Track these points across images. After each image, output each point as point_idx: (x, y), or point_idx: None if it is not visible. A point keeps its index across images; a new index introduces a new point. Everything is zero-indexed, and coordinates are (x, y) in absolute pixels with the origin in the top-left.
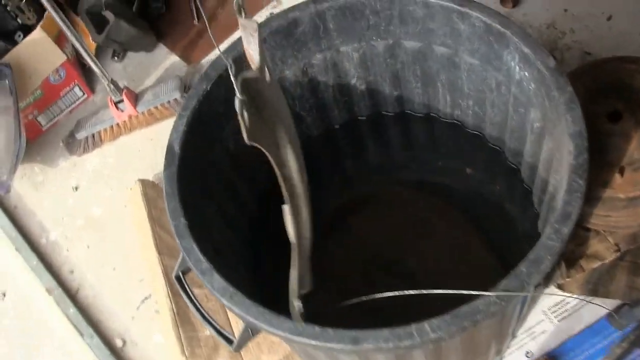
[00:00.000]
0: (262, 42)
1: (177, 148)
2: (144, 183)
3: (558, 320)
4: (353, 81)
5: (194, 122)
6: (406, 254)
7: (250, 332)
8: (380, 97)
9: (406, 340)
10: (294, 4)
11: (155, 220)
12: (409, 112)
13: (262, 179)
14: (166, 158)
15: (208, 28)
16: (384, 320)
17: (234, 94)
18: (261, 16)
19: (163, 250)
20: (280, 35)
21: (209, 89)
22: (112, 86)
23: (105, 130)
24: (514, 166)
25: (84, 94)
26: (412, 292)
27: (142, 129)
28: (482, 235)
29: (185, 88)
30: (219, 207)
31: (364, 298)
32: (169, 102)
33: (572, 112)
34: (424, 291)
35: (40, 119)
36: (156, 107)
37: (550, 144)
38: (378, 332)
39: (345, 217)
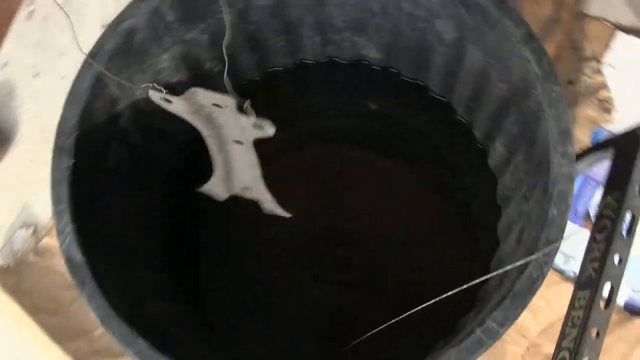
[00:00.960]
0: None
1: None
2: None
3: None
4: (207, 65)
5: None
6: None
7: None
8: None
9: None
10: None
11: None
12: (278, 68)
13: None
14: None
15: None
16: None
17: None
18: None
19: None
20: (120, 55)
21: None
22: None
23: None
24: (417, 82)
25: None
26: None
27: None
28: (420, 175)
29: None
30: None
31: None
32: None
33: (509, 14)
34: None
35: None
36: None
37: (479, 54)
38: None
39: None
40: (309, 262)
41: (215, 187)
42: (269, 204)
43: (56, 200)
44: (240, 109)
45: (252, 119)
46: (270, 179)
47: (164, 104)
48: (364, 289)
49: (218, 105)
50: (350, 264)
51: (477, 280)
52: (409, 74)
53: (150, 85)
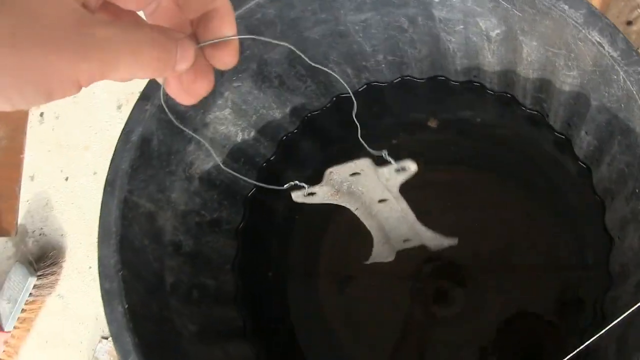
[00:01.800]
0: None
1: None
2: None
3: None
4: (240, 137)
5: None
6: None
7: None
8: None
9: None
10: None
11: None
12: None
13: None
14: None
15: None
16: None
17: None
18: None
19: None
20: (141, 169)
21: None
22: None
23: None
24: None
25: None
26: None
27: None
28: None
29: (33, 265)
30: None
31: None
32: (30, 294)
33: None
34: None
35: None
36: (23, 310)
37: (535, 45)
38: None
39: None
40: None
41: (380, 254)
42: (434, 241)
43: (123, 354)
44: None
45: (393, 165)
46: None
47: (308, 200)
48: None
49: (357, 173)
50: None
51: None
52: (459, 77)
53: (292, 184)
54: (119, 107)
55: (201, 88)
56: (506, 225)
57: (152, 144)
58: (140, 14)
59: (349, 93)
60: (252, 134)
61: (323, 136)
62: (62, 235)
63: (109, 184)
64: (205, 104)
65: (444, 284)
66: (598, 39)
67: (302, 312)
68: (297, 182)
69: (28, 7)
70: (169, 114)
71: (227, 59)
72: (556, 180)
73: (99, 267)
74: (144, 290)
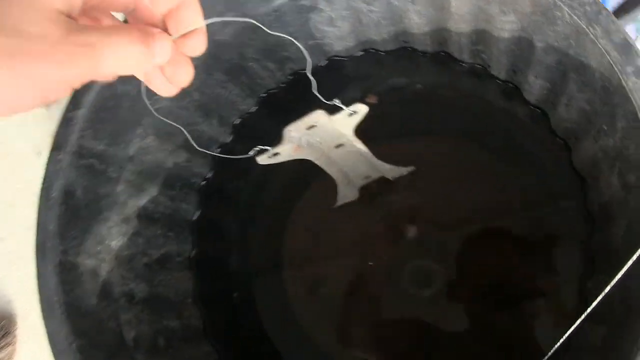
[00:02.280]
0: None
1: None
2: None
3: None
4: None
5: None
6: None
7: None
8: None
9: None
10: None
11: None
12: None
13: None
14: None
15: None
16: None
17: None
18: None
19: None
20: (69, 222)
21: None
22: None
23: None
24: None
25: None
26: None
27: None
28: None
29: None
30: None
31: None
32: None
33: None
34: None
35: None
36: None
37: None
38: None
39: None
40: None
41: (345, 195)
42: (393, 172)
43: None
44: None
45: (344, 111)
46: None
47: (273, 160)
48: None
49: (313, 126)
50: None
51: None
52: (389, 45)
53: (257, 150)
54: (39, 154)
55: (182, 77)
56: (473, 186)
57: (76, 194)
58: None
59: (275, 88)
60: (183, 155)
61: (258, 138)
62: (8, 301)
63: (39, 249)
64: (124, 135)
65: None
66: None
67: (277, 323)
68: (260, 146)
69: (20, 27)
70: (149, 107)
71: (197, 45)
72: (512, 130)
73: (50, 344)
74: (105, 355)
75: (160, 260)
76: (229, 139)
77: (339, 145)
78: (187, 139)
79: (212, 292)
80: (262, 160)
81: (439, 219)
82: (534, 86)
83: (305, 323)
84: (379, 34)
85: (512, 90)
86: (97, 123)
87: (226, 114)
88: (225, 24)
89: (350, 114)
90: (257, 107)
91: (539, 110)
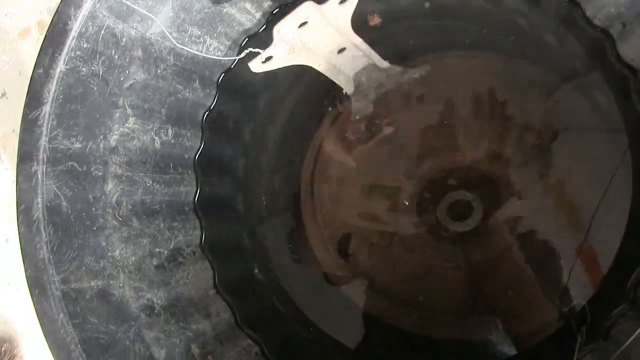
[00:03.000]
0: None
1: None
2: None
3: None
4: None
5: None
6: None
7: None
8: None
9: None
10: None
11: None
12: None
13: None
14: None
15: None
16: None
17: None
18: None
19: None
20: (65, 241)
21: None
22: None
23: None
24: None
25: None
26: None
27: None
28: None
29: None
30: None
31: None
32: None
33: None
34: None
35: None
36: None
37: None
38: None
39: None
40: None
41: (359, 108)
42: (406, 76)
43: None
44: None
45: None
46: None
47: (268, 67)
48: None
49: (304, 23)
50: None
51: None
52: None
53: (247, 52)
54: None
55: None
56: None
57: (62, 209)
58: None
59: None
60: (170, 131)
61: (246, 93)
62: (4, 322)
63: (35, 285)
64: (101, 125)
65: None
66: None
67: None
68: (251, 49)
69: None
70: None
71: None
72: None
73: None
74: None
75: (172, 257)
76: (213, 102)
77: (341, 50)
78: (169, 111)
79: (233, 276)
80: (256, 66)
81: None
82: None
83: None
84: None
85: None
86: (67, 118)
87: (206, 75)
88: None
89: (341, 2)
90: (237, 59)
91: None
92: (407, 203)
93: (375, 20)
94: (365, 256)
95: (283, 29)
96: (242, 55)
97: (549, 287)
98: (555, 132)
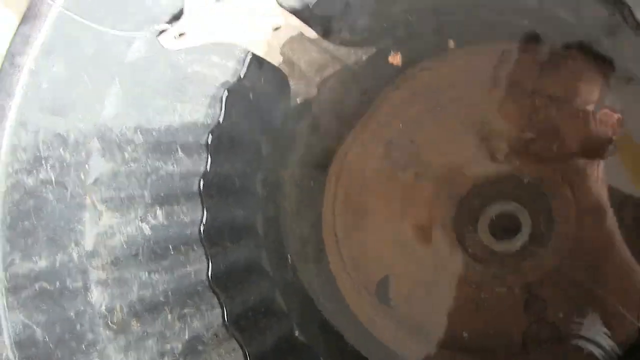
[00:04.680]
0: None
1: None
2: None
3: None
4: None
5: None
6: None
7: None
8: None
9: None
10: None
11: None
12: None
13: None
14: None
15: None
16: None
17: None
18: None
19: None
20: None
21: None
22: None
23: None
24: None
25: None
26: None
27: None
28: None
29: None
30: None
31: None
32: None
33: None
34: None
35: None
36: None
37: None
38: None
39: None
40: None
41: (298, 91)
42: (352, 56)
43: None
44: None
45: None
46: None
47: (183, 43)
48: None
49: None
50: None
51: None
52: None
53: (156, 28)
54: None
55: None
56: None
57: (36, 338)
58: None
59: None
60: (159, 212)
61: (244, 145)
62: None
63: None
64: (70, 232)
65: None
66: None
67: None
68: (160, 25)
69: None
70: None
71: None
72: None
73: None
74: None
75: (188, 349)
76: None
77: (276, 29)
78: (156, 191)
79: (270, 345)
80: (167, 42)
81: None
82: None
83: None
84: None
85: None
86: (22, 238)
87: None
88: None
89: None
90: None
91: None
92: (442, 230)
93: (396, 60)
94: (405, 300)
95: (194, 1)
96: (157, 33)
97: (624, 301)
98: None
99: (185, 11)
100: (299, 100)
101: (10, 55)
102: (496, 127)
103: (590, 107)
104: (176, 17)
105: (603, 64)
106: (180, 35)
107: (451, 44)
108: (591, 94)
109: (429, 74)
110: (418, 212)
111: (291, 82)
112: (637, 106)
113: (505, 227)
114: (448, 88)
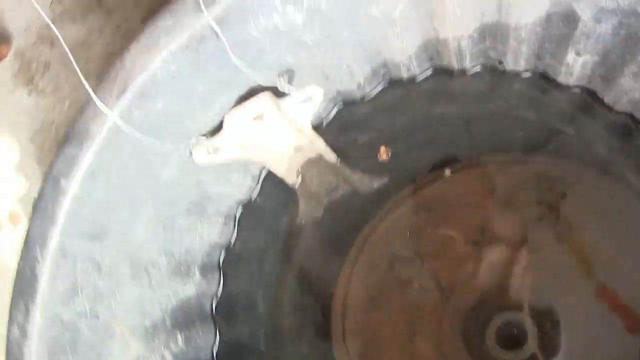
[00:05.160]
0: None
1: None
2: None
3: None
4: None
5: None
6: None
7: None
8: None
9: None
10: None
11: None
12: None
13: None
14: None
15: None
16: None
17: None
18: None
19: None
20: None
21: None
22: None
23: None
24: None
25: None
26: None
27: None
28: None
29: None
30: None
31: None
32: None
33: None
34: None
35: None
36: None
37: None
38: None
39: None
40: None
41: (306, 212)
42: (364, 182)
43: None
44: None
45: (296, 95)
46: None
47: (212, 159)
48: None
49: (259, 117)
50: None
51: None
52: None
53: (193, 142)
54: None
55: None
56: None
57: None
58: None
59: None
60: (179, 338)
61: (255, 263)
62: None
63: None
64: None
65: None
66: None
67: None
68: (197, 136)
69: None
70: None
71: None
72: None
73: None
74: None
75: None
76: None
77: (298, 149)
78: (175, 316)
79: None
80: (199, 157)
81: None
82: (575, 65)
83: None
84: (352, 81)
85: (538, 79)
86: None
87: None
88: None
89: (303, 101)
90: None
91: (583, 91)
92: (450, 342)
93: (384, 154)
94: None
95: (235, 119)
96: (191, 144)
97: None
98: None
99: (225, 128)
100: (304, 220)
101: (54, 178)
102: (498, 236)
103: None
104: (213, 133)
105: None
106: (215, 150)
107: (447, 172)
108: None
109: (430, 188)
110: (425, 324)
111: (301, 202)
112: None
113: (513, 337)
114: (448, 201)
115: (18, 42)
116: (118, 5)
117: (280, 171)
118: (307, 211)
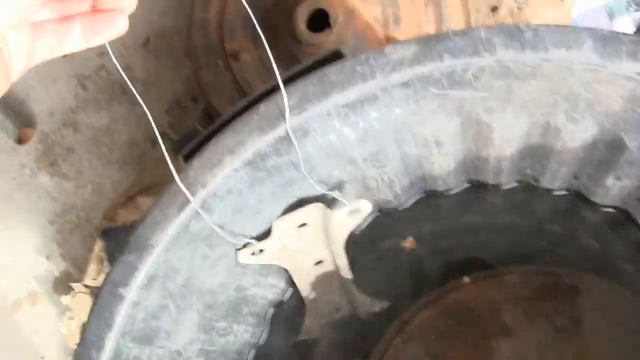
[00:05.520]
0: None
1: None
2: None
3: None
4: None
5: None
6: None
7: None
8: None
9: None
10: None
11: None
12: None
13: None
14: None
15: None
16: None
17: None
18: None
19: None
20: None
21: None
22: None
23: None
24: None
25: None
26: None
27: None
28: None
29: None
30: None
31: None
32: None
33: None
34: None
35: None
36: None
37: (510, 115)
38: None
39: None
40: None
41: (308, 329)
42: (366, 306)
43: None
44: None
45: (346, 207)
46: None
47: (255, 260)
48: None
49: (304, 224)
50: None
51: None
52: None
53: (239, 247)
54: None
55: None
56: None
57: None
58: None
59: None
60: None
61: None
62: None
63: None
64: None
65: None
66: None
67: None
68: (247, 240)
69: None
70: None
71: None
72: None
73: None
74: None
75: None
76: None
77: (318, 262)
78: None
79: None
80: (244, 258)
81: None
82: (613, 188)
83: None
84: (392, 191)
85: (572, 197)
86: None
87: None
88: None
89: (351, 213)
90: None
91: (616, 210)
92: None
93: (410, 244)
94: None
95: (283, 225)
96: (240, 247)
97: None
98: None
99: (273, 231)
100: (305, 337)
101: (111, 284)
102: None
103: None
104: (261, 237)
105: None
106: (260, 251)
107: (465, 279)
108: None
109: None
110: None
111: (307, 319)
112: None
113: None
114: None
115: (42, 126)
116: (142, 95)
117: (299, 281)
118: (310, 330)
